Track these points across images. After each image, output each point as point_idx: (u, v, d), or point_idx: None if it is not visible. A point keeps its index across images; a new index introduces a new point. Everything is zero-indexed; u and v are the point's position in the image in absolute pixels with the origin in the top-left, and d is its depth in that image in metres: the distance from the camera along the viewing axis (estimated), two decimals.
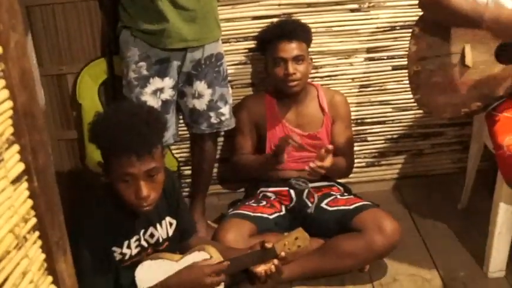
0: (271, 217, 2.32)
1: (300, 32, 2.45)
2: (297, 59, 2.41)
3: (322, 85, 2.64)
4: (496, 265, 2.19)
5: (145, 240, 1.89)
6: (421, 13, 2.21)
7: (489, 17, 1.92)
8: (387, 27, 2.70)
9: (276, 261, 1.80)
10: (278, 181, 2.48)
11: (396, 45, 2.71)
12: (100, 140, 1.73)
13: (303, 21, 2.59)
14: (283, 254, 1.80)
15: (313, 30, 2.57)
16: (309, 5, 2.65)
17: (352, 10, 2.68)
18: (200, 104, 2.37)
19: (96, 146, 1.75)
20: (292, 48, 2.41)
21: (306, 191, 2.41)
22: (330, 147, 2.26)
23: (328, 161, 2.25)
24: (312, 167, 2.23)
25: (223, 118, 2.43)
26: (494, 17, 1.91)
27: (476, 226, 2.40)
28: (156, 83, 2.27)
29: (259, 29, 2.62)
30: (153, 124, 1.73)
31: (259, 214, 2.31)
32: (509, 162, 1.90)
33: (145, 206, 1.74)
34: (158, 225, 1.91)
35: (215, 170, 2.77)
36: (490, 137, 2.08)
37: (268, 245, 1.81)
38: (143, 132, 1.68)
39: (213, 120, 2.41)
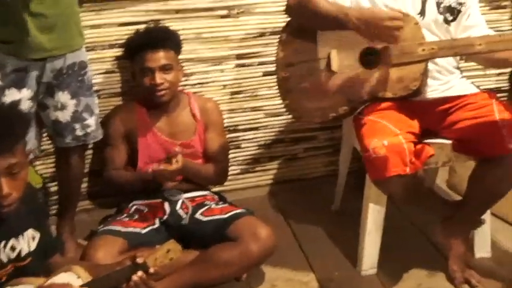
0: (143, 231, 2.24)
1: (167, 40, 2.39)
2: (165, 68, 2.34)
3: (193, 93, 2.60)
4: (368, 264, 2.25)
5: (6, 254, 1.72)
6: (289, 19, 2.24)
7: (354, 15, 2.00)
8: (257, 33, 2.71)
9: (140, 273, 1.71)
10: (151, 193, 2.40)
11: (266, 51, 2.72)
12: None
13: (171, 27, 2.52)
14: (153, 269, 1.72)
15: (182, 37, 2.51)
16: (178, 11, 2.59)
17: (222, 16, 2.66)
18: (64, 116, 2.23)
19: None
20: (159, 58, 2.34)
21: (180, 202, 2.35)
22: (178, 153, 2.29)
23: (175, 166, 2.23)
24: (154, 169, 2.26)
25: (89, 130, 2.31)
26: (358, 15, 2.00)
27: (349, 227, 2.45)
28: (12, 94, 2.10)
29: (126, 36, 2.51)
30: (14, 119, 1.61)
31: (130, 229, 2.22)
32: (375, 164, 1.96)
33: (5, 205, 1.59)
34: (20, 237, 1.75)
35: (84, 185, 2.63)
36: (358, 140, 2.14)
37: (139, 260, 1.72)
38: (3, 127, 1.54)
39: (79, 132, 2.28)
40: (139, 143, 2.44)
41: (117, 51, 2.57)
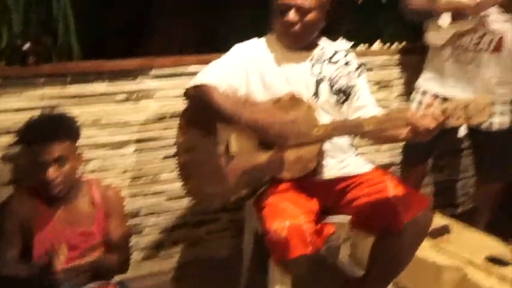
0: None
1: (61, 130, 2.27)
2: (60, 160, 2.23)
3: (93, 179, 2.53)
4: None
5: None
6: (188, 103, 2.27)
7: (248, 121, 2.04)
8: (157, 117, 2.71)
9: None
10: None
11: (167, 134, 2.71)
12: None
13: (68, 113, 2.47)
14: None
15: (80, 122, 2.45)
16: (75, 96, 2.56)
17: (121, 101, 2.65)
18: None
19: None
20: (52, 151, 2.19)
21: None
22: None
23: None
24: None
25: None
26: (252, 122, 2.04)
27: None
28: None
29: (21, 123, 2.42)
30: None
31: None
32: (277, 246, 1.97)
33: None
34: None
35: None
36: (259, 222, 2.15)
37: None
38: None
39: None
40: (36, 235, 2.31)
41: (12, 138, 2.47)
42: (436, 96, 2.53)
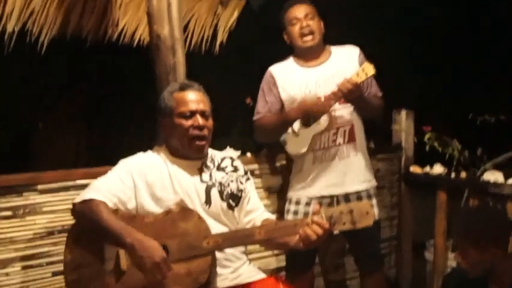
0: None
1: None
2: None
3: None
4: None
5: None
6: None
7: (133, 240, 2.06)
8: (45, 232, 2.63)
9: None
10: None
11: (55, 250, 2.63)
12: None
13: None
14: None
15: None
16: None
17: (6, 217, 2.56)
18: None
19: None
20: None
21: None
22: None
23: None
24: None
25: None
26: (138, 245, 2.05)
27: None
28: None
29: None
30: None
31: None
32: None
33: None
34: None
35: None
36: None
37: None
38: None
39: None
40: None
41: None
42: (319, 203, 2.58)
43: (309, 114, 2.76)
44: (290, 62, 2.97)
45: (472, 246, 2.24)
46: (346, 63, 2.86)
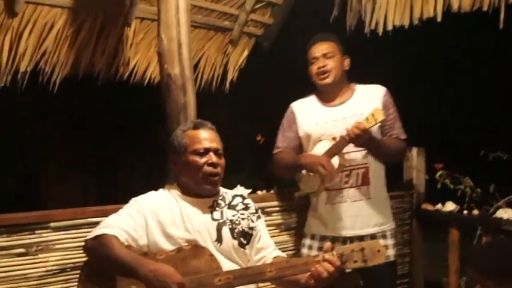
0: None
1: None
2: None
3: None
4: None
5: None
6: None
7: (146, 270, 2.04)
8: (57, 269, 2.64)
9: None
10: None
11: (68, 287, 2.64)
12: None
13: None
14: None
15: None
16: None
17: (19, 254, 2.57)
18: None
19: None
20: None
21: None
22: None
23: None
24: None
25: None
26: (152, 273, 2.03)
27: None
28: None
29: None
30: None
31: None
32: None
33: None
34: None
35: None
36: None
37: None
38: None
39: None
40: None
41: None
42: (330, 241, 2.57)
43: (307, 168, 2.80)
44: (312, 99, 3.02)
45: (491, 281, 2.20)
46: (368, 104, 2.83)
